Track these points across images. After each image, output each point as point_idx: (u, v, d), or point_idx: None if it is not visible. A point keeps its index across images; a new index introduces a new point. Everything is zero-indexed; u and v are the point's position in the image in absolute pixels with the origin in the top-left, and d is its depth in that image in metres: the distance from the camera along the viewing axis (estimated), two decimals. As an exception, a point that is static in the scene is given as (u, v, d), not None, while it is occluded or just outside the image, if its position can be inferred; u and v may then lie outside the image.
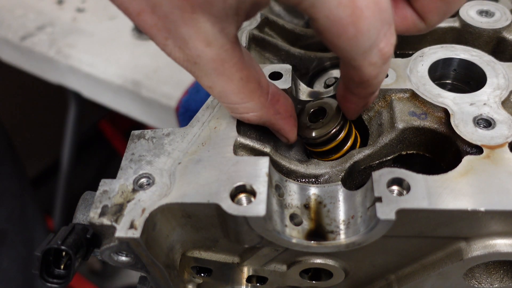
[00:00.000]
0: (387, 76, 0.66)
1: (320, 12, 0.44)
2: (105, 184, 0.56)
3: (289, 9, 0.92)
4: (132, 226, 0.51)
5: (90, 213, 0.53)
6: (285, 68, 0.69)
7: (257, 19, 0.79)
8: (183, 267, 0.66)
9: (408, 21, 0.57)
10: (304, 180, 0.61)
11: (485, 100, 0.61)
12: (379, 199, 0.50)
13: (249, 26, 0.78)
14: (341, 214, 0.56)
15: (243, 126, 0.66)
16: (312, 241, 0.55)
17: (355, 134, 0.67)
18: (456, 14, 0.77)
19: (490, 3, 0.77)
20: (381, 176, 0.52)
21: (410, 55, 0.69)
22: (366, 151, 0.63)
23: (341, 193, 0.58)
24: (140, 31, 1.66)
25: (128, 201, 0.54)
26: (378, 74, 0.51)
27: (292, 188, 0.59)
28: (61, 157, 2.18)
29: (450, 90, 0.64)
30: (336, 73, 0.78)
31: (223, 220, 0.54)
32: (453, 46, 0.70)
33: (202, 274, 0.68)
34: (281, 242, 0.55)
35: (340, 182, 0.59)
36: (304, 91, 0.71)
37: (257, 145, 0.61)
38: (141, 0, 0.47)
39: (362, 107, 0.61)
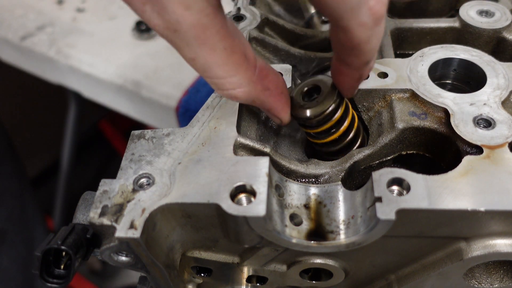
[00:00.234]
0: (387, 76, 0.66)
1: None
2: (105, 184, 0.56)
3: (289, 9, 0.92)
4: (132, 226, 0.51)
5: (90, 213, 0.53)
6: (285, 68, 0.69)
7: (257, 19, 0.79)
8: (183, 267, 0.66)
9: None
10: (304, 180, 0.61)
11: (485, 100, 0.61)
12: (379, 199, 0.50)
13: (249, 26, 0.78)
14: (341, 214, 0.56)
15: (243, 126, 0.66)
16: (312, 241, 0.55)
17: (353, 114, 0.64)
18: (456, 14, 0.77)
19: (490, 3, 0.77)
20: (381, 176, 0.52)
21: (410, 55, 0.69)
22: (366, 151, 0.63)
23: (341, 193, 0.58)
24: (140, 31, 1.66)
25: (128, 201, 0.54)
26: (369, 38, 0.48)
27: (292, 188, 0.59)
28: (61, 157, 2.18)
29: (450, 90, 0.64)
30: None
31: (223, 220, 0.54)
32: (453, 46, 0.70)
33: (202, 274, 0.68)
34: (281, 242, 0.55)
35: (340, 182, 0.59)
36: (304, 91, 0.71)
37: (257, 145, 0.61)
38: None
39: (358, 81, 0.57)
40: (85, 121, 2.41)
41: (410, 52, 0.71)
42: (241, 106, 0.66)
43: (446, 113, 0.61)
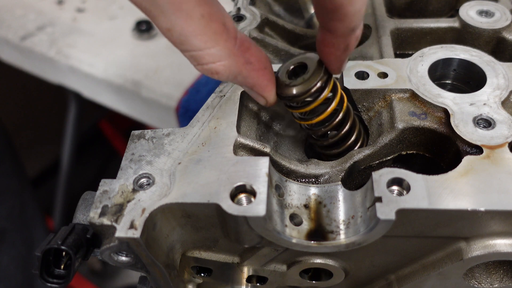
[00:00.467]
0: (387, 76, 0.66)
1: None
2: (105, 184, 0.56)
3: (289, 9, 0.92)
4: (132, 226, 0.51)
5: (90, 213, 0.53)
6: (285, 68, 0.69)
7: (257, 19, 0.80)
8: (183, 267, 0.66)
9: None
10: (304, 180, 0.61)
11: (485, 100, 0.61)
12: (379, 199, 0.50)
13: (249, 26, 0.78)
14: (341, 214, 0.56)
15: (243, 126, 0.66)
16: (312, 241, 0.55)
17: (341, 94, 0.62)
18: (456, 14, 0.78)
19: (490, 3, 0.77)
20: (381, 176, 0.52)
21: (410, 55, 0.69)
22: (366, 151, 0.63)
23: (341, 193, 0.58)
24: (140, 31, 1.66)
25: (128, 201, 0.54)
26: None
27: (292, 188, 0.59)
28: (61, 157, 2.17)
29: (450, 90, 0.64)
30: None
31: (223, 220, 0.54)
32: (453, 46, 0.70)
33: (202, 274, 0.68)
34: (281, 242, 0.55)
35: (340, 182, 0.59)
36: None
37: (257, 145, 0.61)
38: None
39: (344, 52, 0.54)
40: (85, 121, 2.41)
41: (410, 52, 0.71)
42: (241, 106, 0.66)
43: (446, 113, 0.61)
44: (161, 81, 1.52)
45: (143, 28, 1.66)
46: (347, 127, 0.64)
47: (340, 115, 0.63)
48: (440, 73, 0.69)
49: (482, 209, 0.49)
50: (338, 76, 0.66)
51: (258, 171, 0.54)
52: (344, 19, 0.49)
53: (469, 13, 0.76)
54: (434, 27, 0.78)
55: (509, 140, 0.56)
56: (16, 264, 1.54)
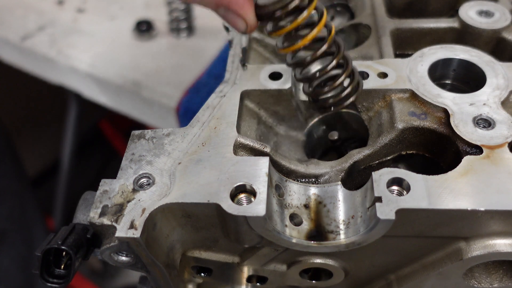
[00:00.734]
0: (386, 76, 0.66)
1: None
2: (105, 184, 0.56)
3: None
4: (132, 226, 0.51)
5: (90, 213, 0.54)
6: (285, 68, 0.69)
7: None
8: (183, 267, 0.66)
9: None
10: (304, 180, 0.61)
11: (485, 100, 0.61)
12: (379, 199, 0.50)
13: (249, 26, 0.78)
14: (341, 214, 0.56)
15: (243, 126, 0.66)
16: (312, 241, 0.55)
17: (330, 25, 0.61)
18: (455, 14, 0.78)
19: (489, 3, 0.77)
20: (381, 176, 0.52)
21: (410, 55, 0.69)
22: (366, 151, 0.63)
23: (341, 193, 0.58)
24: (140, 31, 1.66)
25: (128, 201, 0.54)
26: None
27: (292, 188, 0.59)
28: (61, 157, 2.17)
29: (450, 90, 0.64)
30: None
31: (223, 220, 0.54)
32: (453, 46, 0.70)
33: (202, 274, 0.68)
34: (281, 242, 0.55)
35: (340, 182, 0.59)
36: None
37: (257, 145, 0.61)
38: None
39: None
40: (85, 121, 2.41)
41: (410, 52, 0.71)
42: (241, 106, 0.66)
43: (446, 113, 0.61)
44: (161, 81, 1.52)
45: (143, 29, 1.66)
46: (335, 60, 0.61)
47: (326, 45, 0.61)
48: (440, 73, 0.70)
49: (482, 209, 0.49)
50: None
51: (258, 171, 0.54)
52: None
53: (468, 13, 0.76)
54: (434, 27, 0.78)
55: (508, 140, 0.56)
56: (16, 265, 1.54)
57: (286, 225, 0.55)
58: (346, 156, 0.62)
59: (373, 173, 0.53)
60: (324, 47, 0.61)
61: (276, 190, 0.56)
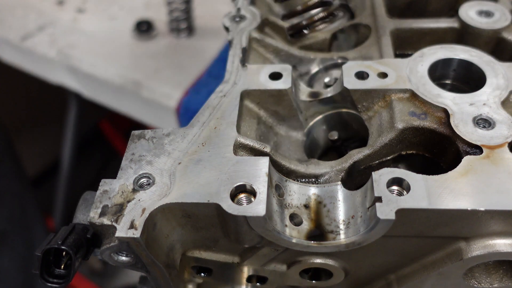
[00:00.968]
0: (386, 76, 0.66)
1: None
2: (105, 184, 0.56)
3: (289, 9, 0.92)
4: (132, 226, 0.51)
5: (90, 213, 0.54)
6: (285, 68, 0.69)
7: (257, 19, 0.80)
8: (183, 267, 0.66)
9: None
10: (304, 180, 0.61)
11: (485, 100, 0.61)
12: (379, 199, 0.50)
13: (249, 27, 0.78)
14: (341, 214, 0.56)
15: (243, 126, 0.66)
16: (312, 241, 0.55)
17: None
18: (455, 14, 0.78)
19: (489, 3, 0.77)
20: (381, 176, 0.52)
21: (410, 55, 0.69)
22: (366, 151, 0.63)
23: (341, 193, 0.58)
24: (140, 31, 1.66)
25: (128, 201, 0.54)
26: None
27: (292, 188, 0.59)
28: (61, 157, 2.18)
29: (450, 90, 0.64)
30: (336, 73, 0.78)
31: (223, 220, 0.54)
32: (453, 46, 0.70)
33: (202, 274, 0.68)
34: (281, 242, 0.55)
35: (340, 182, 0.59)
36: (304, 91, 0.71)
37: (257, 145, 0.61)
38: None
39: None
40: (85, 121, 2.41)
41: (410, 52, 0.71)
42: (241, 106, 0.66)
43: (446, 113, 0.61)
44: (161, 81, 1.52)
45: (143, 29, 1.67)
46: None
47: None
48: (440, 73, 0.70)
49: (482, 209, 0.49)
50: None
51: (258, 171, 0.54)
52: None
53: (468, 13, 0.76)
54: (434, 27, 0.78)
55: (508, 140, 0.56)
56: (16, 266, 1.54)
57: (286, 225, 0.55)
58: (346, 156, 0.62)
59: (373, 173, 0.53)
60: None
61: (276, 190, 0.56)
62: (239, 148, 0.60)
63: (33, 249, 1.60)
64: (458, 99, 0.62)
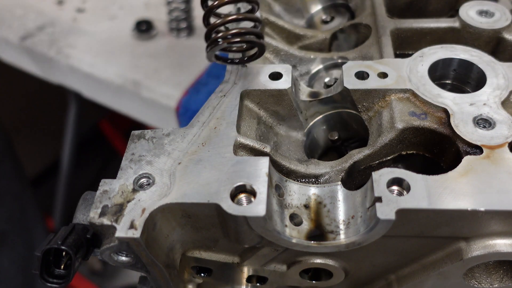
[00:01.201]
0: (387, 76, 0.66)
1: None
2: (105, 184, 0.56)
3: (289, 9, 0.92)
4: (132, 226, 0.51)
5: (90, 213, 0.53)
6: (285, 68, 0.69)
7: (257, 19, 0.79)
8: (183, 267, 0.66)
9: None
10: (304, 180, 0.61)
11: (485, 100, 0.61)
12: (379, 199, 0.50)
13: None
14: (341, 214, 0.56)
15: (243, 126, 0.66)
16: (312, 241, 0.55)
17: None
18: (456, 14, 0.77)
19: (490, 3, 0.77)
20: (381, 176, 0.52)
21: (410, 55, 0.69)
22: (366, 151, 0.63)
23: (341, 193, 0.58)
24: (140, 31, 1.66)
25: (128, 201, 0.54)
26: None
27: (292, 188, 0.59)
28: (61, 157, 2.18)
29: (450, 90, 0.64)
30: (336, 73, 0.78)
31: (223, 220, 0.54)
32: (453, 46, 0.70)
33: (202, 274, 0.68)
34: (281, 242, 0.55)
35: (340, 182, 0.59)
36: (304, 91, 0.71)
37: (257, 145, 0.61)
38: None
39: None
40: (85, 121, 2.42)
41: (410, 52, 0.71)
42: (241, 106, 0.66)
43: (446, 113, 0.61)
44: (161, 81, 1.52)
45: (143, 28, 1.67)
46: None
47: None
48: (440, 73, 0.69)
49: (482, 209, 0.49)
50: None
51: (258, 171, 0.54)
52: None
53: (469, 13, 0.76)
54: (434, 27, 0.78)
55: (509, 140, 0.56)
56: (16, 266, 1.54)
57: (286, 225, 0.55)
58: (346, 156, 0.62)
59: (373, 173, 0.53)
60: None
61: (276, 190, 0.56)
62: (239, 148, 0.60)
63: (33, 249, 1.59)
64: (458, 99, 0.62)
